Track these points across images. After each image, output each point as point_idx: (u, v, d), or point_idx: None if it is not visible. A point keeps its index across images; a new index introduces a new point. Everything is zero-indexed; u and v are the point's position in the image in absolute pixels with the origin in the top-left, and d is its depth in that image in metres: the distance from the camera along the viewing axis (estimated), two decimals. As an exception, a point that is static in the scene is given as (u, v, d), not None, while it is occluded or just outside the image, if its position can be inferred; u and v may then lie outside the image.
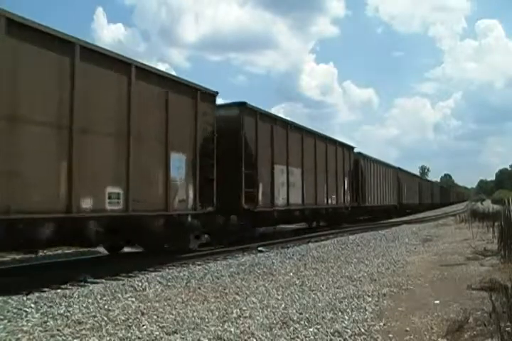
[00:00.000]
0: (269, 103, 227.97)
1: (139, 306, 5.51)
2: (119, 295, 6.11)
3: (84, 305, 5.51)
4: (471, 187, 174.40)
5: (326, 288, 6.67)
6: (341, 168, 19.60)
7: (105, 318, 4.92)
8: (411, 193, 38.23)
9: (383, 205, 27.90)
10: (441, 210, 45.84)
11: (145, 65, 8.93)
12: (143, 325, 4.68)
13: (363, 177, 23.16)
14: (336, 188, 18.87)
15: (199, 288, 6.66)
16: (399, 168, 34.41)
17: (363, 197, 23.07)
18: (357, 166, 22.46)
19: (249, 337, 4.29)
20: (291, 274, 7.88)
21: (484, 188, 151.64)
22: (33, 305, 5.46)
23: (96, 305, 5.57)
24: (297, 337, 4.29)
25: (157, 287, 6.74)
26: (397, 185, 32.08)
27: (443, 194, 67.56)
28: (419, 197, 42.63)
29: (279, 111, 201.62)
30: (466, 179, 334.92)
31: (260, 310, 5.30)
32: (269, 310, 5.32)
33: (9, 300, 5.67)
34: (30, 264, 9.03)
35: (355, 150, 22.63)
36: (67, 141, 7.18)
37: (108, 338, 4.29)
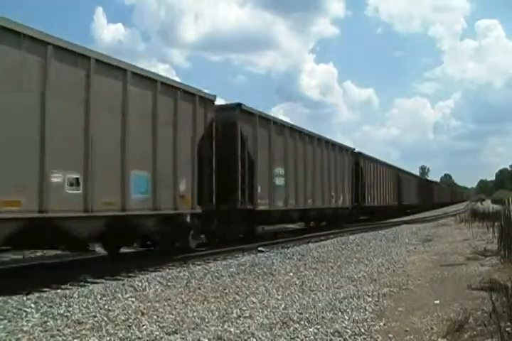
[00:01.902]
0: (269, 103, 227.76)
1: (139, 306, 5.52)
2: (119, 295, 6.11)
3: (84, 305, 5.51)
4: (471, 187, 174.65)
5: (326, 288, 6.68)
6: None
7: (105, 318, 4.93)
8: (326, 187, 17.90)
9: None
10: (441, 210, 45.70)
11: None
12: (143, 325, 4.68)
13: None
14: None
15: (199, 288, 6.66)
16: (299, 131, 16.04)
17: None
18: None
19: (249, 337, 4.29)
20: (291, 274, 7.89)
21: (484, 188, 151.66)
22: (33, 305, 5.46)
23: (96, 305, 5.58)
24: (297, 337, 4.29)
25: (157, 287, 6.75)
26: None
27: (427, 192, 47.75)
28: (353, 195, 21.20)
29: (278, 111, 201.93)
30: (466, 179, 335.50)
31: (260, 310, 5.30)
32: (269, 310, 5.33)
33: (9, 300, 5.68)
34: (30, 264, 9.03)
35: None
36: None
37: (108, 338, 4.29)
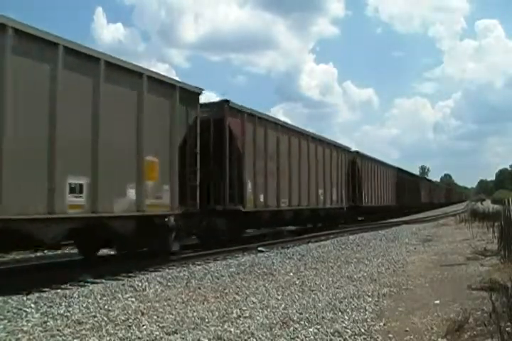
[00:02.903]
0: (269, 103, 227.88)
1: (139, 306, 5.52)
2: (119, 295, 6.11)
3: (84, 305, 5.51)
4: (471, 187, 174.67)
5: (326, 288, 6.67)
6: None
7: (105, 318, 4.93)
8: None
9: None
10: (440, 210, 45.57)
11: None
12: (143, 325, 4.68)
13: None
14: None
15: (199, 288, 6.66)
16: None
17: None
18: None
19: (249, 337, 4.29)
20: (291, 274, 7.89)
21: (484, 188, 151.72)
22: (33, 305, 5.46)
23: (96, 305, 5.57)
24: (297, 337, 4.29)
25: (157, 287, 6.74)
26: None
27: (411, 190, 37.13)
28: (223, 191, 11.27)
29: (278, 111, 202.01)
30: (466, 179, 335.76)
31: (260, 310, 5.30)
32: (269, 310, 5.33)
33: (9, 300, 5.67)
34: (30, 264, 9.03)
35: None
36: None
37: (108, 338, 4.29)
